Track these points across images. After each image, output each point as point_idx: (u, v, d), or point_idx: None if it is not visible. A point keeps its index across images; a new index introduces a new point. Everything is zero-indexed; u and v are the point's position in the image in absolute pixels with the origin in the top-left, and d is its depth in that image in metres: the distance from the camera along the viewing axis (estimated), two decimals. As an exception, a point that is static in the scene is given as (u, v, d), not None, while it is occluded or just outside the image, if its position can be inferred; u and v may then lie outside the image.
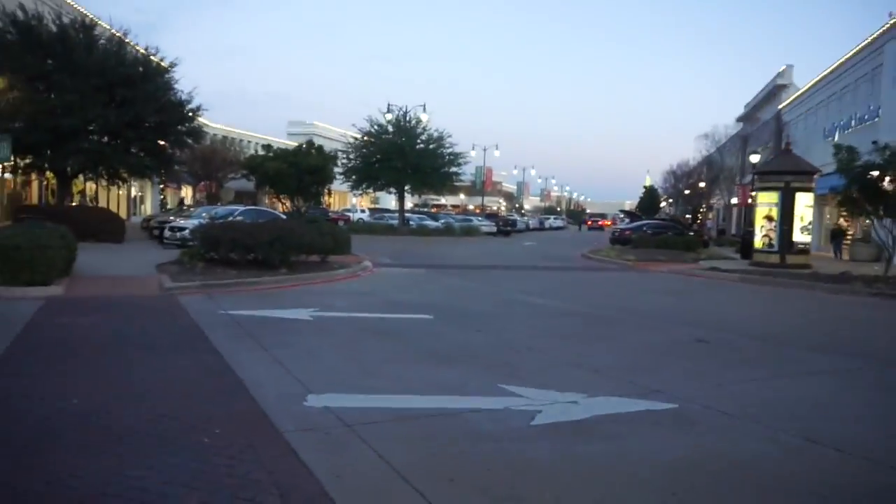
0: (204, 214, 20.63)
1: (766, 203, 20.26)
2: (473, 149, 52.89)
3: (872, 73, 25.66)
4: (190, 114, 22.42)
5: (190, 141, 23.54)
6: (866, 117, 25.92)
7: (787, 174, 19.62)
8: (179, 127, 22.24)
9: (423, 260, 20.21)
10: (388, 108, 38.06)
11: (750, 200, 34.08)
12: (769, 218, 20.04)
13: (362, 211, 53.54)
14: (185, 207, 32.86)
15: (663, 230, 31.71)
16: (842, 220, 29.79)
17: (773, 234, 19.89)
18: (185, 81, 45.62)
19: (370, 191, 44.22)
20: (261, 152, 26.76)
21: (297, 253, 14.04)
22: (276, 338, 7.41)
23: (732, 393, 5.76)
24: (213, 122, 43.55)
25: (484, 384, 5.73)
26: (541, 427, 4.58)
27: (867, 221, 26.46)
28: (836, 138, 28.35)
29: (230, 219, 17.71)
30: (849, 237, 28.38)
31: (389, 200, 70.22)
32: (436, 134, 38.88)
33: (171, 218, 23.09)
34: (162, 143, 22.76)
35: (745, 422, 4.93)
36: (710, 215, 66.46)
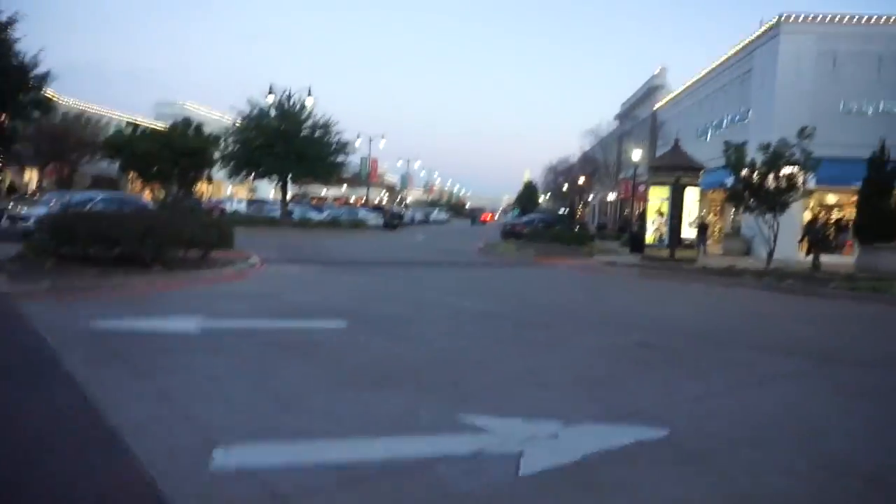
0: (54, 202, 17.62)
1: (658, 198, 20.80)
2: (359, 138, 51.11)
3: (743, 77, 27.40)
4: (34, 82, 18.99)
5: (36, 114, 19.99)
6: (737, 118, 27.68)
7: (678, 170, 20.23)
8: (21, 96, 18.75)
9: (314, 255, 18.64)
10: (271, 90, 35.43)
11: (628, 195, 35.54)
12: (660, 212, 20.60)
13: (239, 201, 50.01)
14: (39, 193, 28.27)
15: (553, 224, 32.15)
16: (711, 214, 31.85)
17: (664, 229, 20.47)
18: (30, 42, 39.28)
19: (250, 179, 41.13)
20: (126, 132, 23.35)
21: (175, 248, 12.07)
22: (157, 360, 5.83)
23: (712, 410, 5.11)
24: (66, 96, 38.31)
25: (438, 414, 4.64)
26: (533, 480, 3.58)
27: (736, 217, 28.40)
28: (709, 137, 30.17)
29: (88, 207, 15.12)
30: (714, 232, 30.33)
31: (268, 190, 66.57)
32: (322, 120, 36.78)
33: (12, 205, 19.60)
34: (-2, 113, 19.17)
35: (749, 449, 4.25)
36: (586, 210, 69.61)
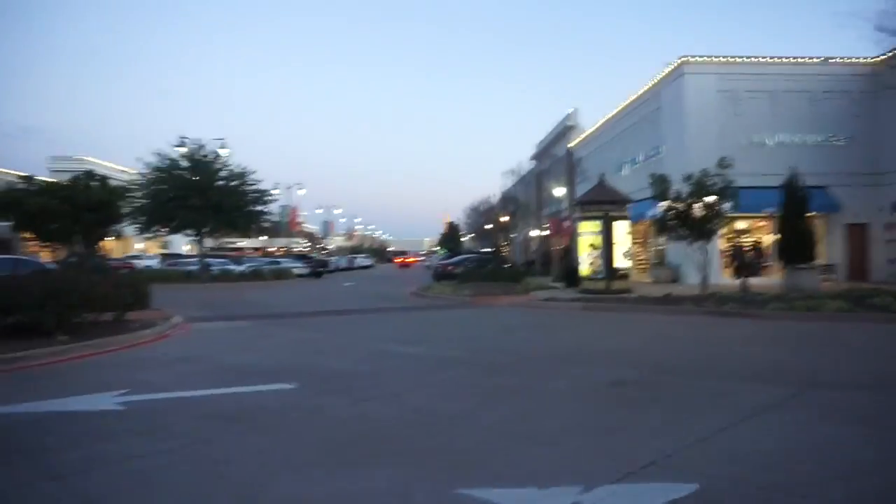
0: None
1: (589, 232, 20.97)
2: (276, 188, 49.63)
3: (653, 115, 28.64)
4: None
5: None
6: (652, 153, 28.78)
7: (605, 203, 20.53)
8: None
9: (241, 310, 17.33)
10: (181, 143, 33.73)
11: (552, 231, 36.05)
12: (593, 246, 20.75)
13: (150, 257, 47.02)
14: None
15: (485, 263, 31.95)
16: (634, 245, 32.74)
17: (598, 262, 20.60)
18: None
19: (161, 234, 38.70)
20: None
21: (82, 313, 10.66)
22: (70, 452, 4.75)
23: (727, 452, 4.64)
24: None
25: (434, 492, 3.90)
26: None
27: (659, 247, 29.27)
28: (625, 172, 31.22)
29: (-25, 273, 13.29)
30: (639, 261, 31.08)
31: (179, 245, 63.21)
32: (238, 170, 35.30)
33: None
34: None
35: (789, 497, 3.78)
36: (510, 248, 70.59)
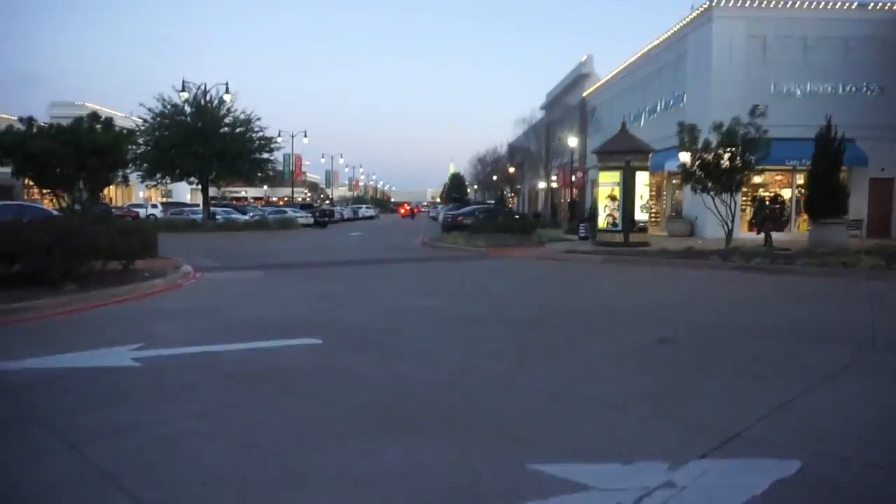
0: (-67, 214, 14.92)
1: (608, 183, 20.28)
2: (280, 135, 48.52)
3: (676, 62, 27.47)
4: None
5: None
6: (672, 102, 27.76)
7: (627, 153, 19.75)
8: None
9: (250, 260, 16.87)
10: (184, 87, 32.66)
11: (574, 180, 35.32)
12: (612, 197, 20.09)
13: (154, 206, 46.42)
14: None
15: (495, 214, 31.38)
16: (650, 197, 32.04)
17: (616, 214, 20.00)
18: None
19: (166, 182, 38.02)
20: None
21: (90, 260, 10.19)
22: (87, 415, 4.31)
23: (812, 424, 4.19)
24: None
25: (502, 467, 3.45)
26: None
27: (676, 199, 28.59)
28: (643, 122, 30.23)
29: (-24, 218, 12.77)
30: (654, 214, 30.43)
31: (183, 193, 62.44)
32: (243, 116, 34.32)
33: None
34: None
35: (907, 480, 3.33)
36: (515, 200, 69.81)
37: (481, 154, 79.51)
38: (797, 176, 24.47)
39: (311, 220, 42.11)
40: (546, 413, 4.47)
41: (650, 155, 20.32)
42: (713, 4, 23.90)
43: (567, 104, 43.53)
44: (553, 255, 17.93)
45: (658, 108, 29.31)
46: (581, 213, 33.48)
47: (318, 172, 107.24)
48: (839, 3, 23.65)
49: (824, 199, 17.24)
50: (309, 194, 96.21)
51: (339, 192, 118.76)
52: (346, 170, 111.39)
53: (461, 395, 4.90)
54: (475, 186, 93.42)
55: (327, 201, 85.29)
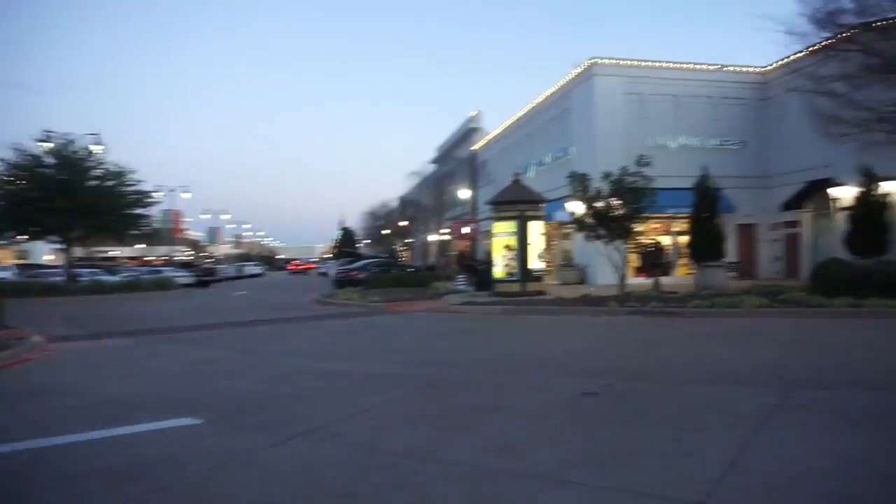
0: None
1: (504, 233, 20.34)
2: (159, 190, 45.43)
3: (562, 117, 28.75)
4: None
5: None
6: (559, 155, 28.88)
7: (521, 203, 20.00)
8: None
9: (119, 326, 14.94)
10: (46, 137, 29.69)
11: (465, 232, 35.54)
12: (508, 247, 20.14)
13: (4, 268, 41.35)
14: None
15: (388, 268, 30.72)
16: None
17: (513, 264, 20.01)
18: None
19: (19, 241, 33.97)
20: None
21: None
22: None
23: (776, 480, 3.78)
24: None
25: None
26: None
27: (566, 248, 29.42)
28: (532, 174, 31.18)
29: None
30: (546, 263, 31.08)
31: (41, 254, 56.53)
32: (114, 169, 31.61)
33: None
34: None
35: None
36: (408, 253, 69.68)
37: (372, 208, 79.20)
38: (675, 223, 25.99)
39: (192, 280, 39.24)
40: (484, 494, 3.76)
41: (542, 205, 20.69)
42: (593, 63, 25.36)
43: (458, 157, 44.41)
44: (452, 308, 17.46)
45: (546, 160, 30.39)
46: (482, 263, 33.68)
47: (201, 229, 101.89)
48: (704, 66, 25.93)
49: (706, 243, 18.20)
50: (190, 252, 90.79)
51: (224, 249, 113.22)
52: (231, 226, 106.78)
53: (377, 478, 4.08)
54: (366, 241, 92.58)
55: (210, 259, 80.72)
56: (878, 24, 15.23)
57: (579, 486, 3.80)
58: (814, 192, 22.70)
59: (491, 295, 20.06)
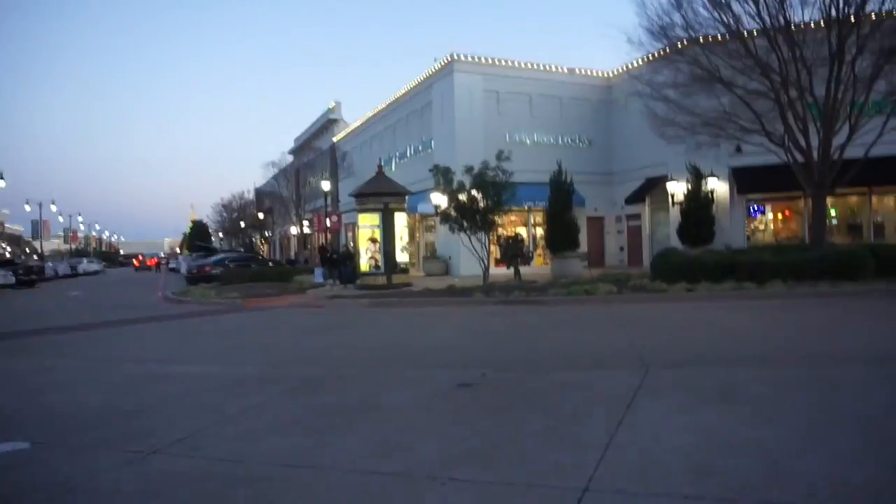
0: None
1: (368, 225, 20.07)
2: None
3: (423, 110, 28.94)
4: None
5: None
6: (420, 148, 29.08)
7: (385, 195, 19.83)
8: None
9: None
10: None
11: (327, 225, 34.67)
12: (373, 240, 19.90)
13: None
14: None
15: (247, 262, 29.17)
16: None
17: (378, 256, 19.81)
18: None
19: None
20: None
21: None
22: None
23: (646, 456, 3.96)
24: None
25: None
26: None
27: (430, 241, 29.75)
28: (394, 167, 31.13)
29: None
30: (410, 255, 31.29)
31: None
32: None
33: None
34: None
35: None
36: (266, 246, 66.80)
37: (226, 200, 74.83)
38: (532, 215, 27.26)
39: (13, 280, 34.51)
40: (367, 501, 3.54)
41: (406, 197, 20.68)
42: (454, 59, 25.76)
43: (317, 148, 43.17)
44: (317, 303, 16.91)
45: (408, 153, 30.47)
46: (346, 256, 33.04)
47: (23, 222, 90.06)
48: (556, 68, 27.34)
49: (562, 235, 19.24)
50: (9, 249, 79.97)
51: (52, 244, 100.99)
52: (60, 219, 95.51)
53: (247, 494, 3.70)
54: (220, 234, 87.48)
55: (35, 256, 71.61)
56: (703, 39, 16.99)
57: (466, 483, 3.71)
58: (652, 188, 24.91)
59: (357, 288, 19.73)
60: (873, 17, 15.08)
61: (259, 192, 60.74)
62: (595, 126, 28.05)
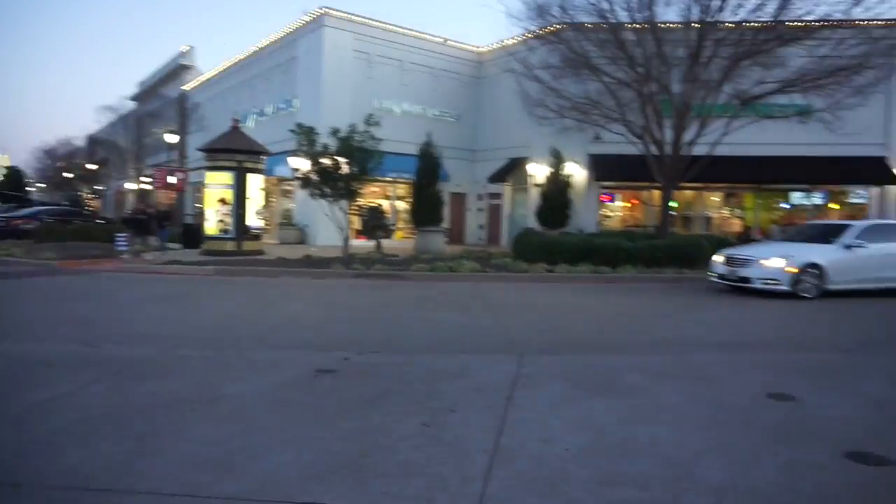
0: None
1: (218, 184, 18.18)
2: None
3: (287, 65, 26.88)
4: None
5: None
6: (282, 106, 27.08)
7: (239, 153, 18.03)
8: None
9: None
10: None
11: (171, 182, 31.48)
12: (223, 201, 18.09)
13: None
14: None
15: (69, 217, 25.50)
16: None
17: (228, 219, 18.06)
18: None
19: None
20: None
21: None
22: None
23: (537, 462, 3.47)
24: None
25: None
26: None
27: (287, 207, 28.01)
28: (252, 124, 28.80)
29: None
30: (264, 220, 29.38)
31: None
32: None
33: None
34: None
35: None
36: (99, 202, 59.84)
37: (50, 146, 65.86)
38: (395, 188, 26.56)
39: None
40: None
41: (264, 158, 19.02)
42: (324, 12, 24.06)
43: (164, 96, 38.94)
44: (152, 269, 14.93)
45: (268, 110, 28.31)
46: (190, 217, 30.12)
47: None
48: (429, 36, 26.59)
49: (426, 209, 18.75)
50: None
51: None
52: None
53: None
54: (42, 185, 77.11)
55: None
56: (577, 24, 17.20)
57: (325, 496, 2.96)
58: (515, 168, 25.25)
59: (201, 254, 17.85)
60: (728, 25, 16.08)
61: (93, 140, 53.95)
62: (464, 101, 27.84)
